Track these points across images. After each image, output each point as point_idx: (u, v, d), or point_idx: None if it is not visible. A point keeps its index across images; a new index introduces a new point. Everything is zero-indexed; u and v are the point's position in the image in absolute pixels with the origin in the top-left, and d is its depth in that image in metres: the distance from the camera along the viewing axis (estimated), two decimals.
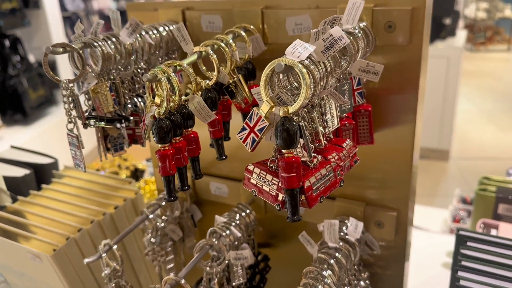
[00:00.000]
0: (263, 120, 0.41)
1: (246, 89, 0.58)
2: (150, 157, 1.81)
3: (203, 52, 0.54)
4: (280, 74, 0.43)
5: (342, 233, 0.63)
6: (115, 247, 0.65)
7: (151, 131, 0.49)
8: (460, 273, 0.63)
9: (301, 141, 0.42)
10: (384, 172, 0.64)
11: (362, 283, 0.66)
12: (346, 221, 0.65)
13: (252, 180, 0.45)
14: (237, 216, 0.70)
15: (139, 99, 0.62)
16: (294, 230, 0.77)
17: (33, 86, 3.33)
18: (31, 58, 3.38)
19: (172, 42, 0.65)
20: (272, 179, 0.43)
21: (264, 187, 0.44)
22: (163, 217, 0.76)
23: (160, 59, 0.65)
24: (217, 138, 0.59)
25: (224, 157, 0.60)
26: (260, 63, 0.62)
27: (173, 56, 0.67)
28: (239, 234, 0.67)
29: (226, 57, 0.56)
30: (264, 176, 0.44)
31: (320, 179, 0.43)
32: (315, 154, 0.43)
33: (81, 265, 0.74)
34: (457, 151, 3.51)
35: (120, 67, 0.59)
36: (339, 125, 0.48)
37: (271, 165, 0.44)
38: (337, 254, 0.60)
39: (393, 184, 0.64)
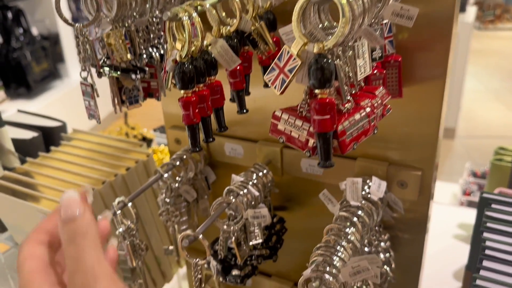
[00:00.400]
0: (295, 58, 0.38)
1: (269, 38, 0.55)
2: (158, 127, 1.79)
3: None
4: (312, 12, 0.40)
5: (364, 193, 0.61)
6: (129, 204, 0.63)
7: (172, 78, 0.46)
8: (485, 234, 0.61)
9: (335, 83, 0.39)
10: (410, 131, 0.62)
11: (382, 244, 0.65)
12: (368, 181, 0.63)
13: (279, 127, 0.43)
14: (254, 176, 0.68)
15: (154, 50, 0.60)
16: (310, 193, 0.75)
17: (36, 59, 3.29)
18: (34, 31, 3.33)
19: None
20: (302, 124, 0.40)
21: (293, 133, 0.41)
22: (177, 178, 0.74)
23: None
24: (238, 90, 0.56)
25: (245, 110, 0.58)
26: (281, 14, 0.59)
27: None
28: (256, 193, 0.65)
29: (247, 2, 0.53)
30: (293, 121, 0.41)
31: (354, 124, 0.40)
32: (349, 98, 0.40)
33: None
34: (463, 130, 3.47)
35: (135, 14, 0.56)
36: (370, 71, 0.45)
37: (301, 109, 0.41)
38: (359, 212, 0.58)
39: (419, 144, 0.62)
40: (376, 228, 0.64)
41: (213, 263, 0.56)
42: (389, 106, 0.48)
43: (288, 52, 0.39)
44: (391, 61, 0.54)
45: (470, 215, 1.40)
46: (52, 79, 3.42)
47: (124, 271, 0.67)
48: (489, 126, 3.53)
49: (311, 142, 0.40)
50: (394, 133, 0.63)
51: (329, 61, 0.37)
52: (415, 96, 0.59)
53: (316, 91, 0.38)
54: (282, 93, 0.40)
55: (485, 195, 0.67)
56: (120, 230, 0.63)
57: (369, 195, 0.61)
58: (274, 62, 0.40)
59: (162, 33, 0.60)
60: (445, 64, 0.57)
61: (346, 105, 0.40)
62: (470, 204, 1.53)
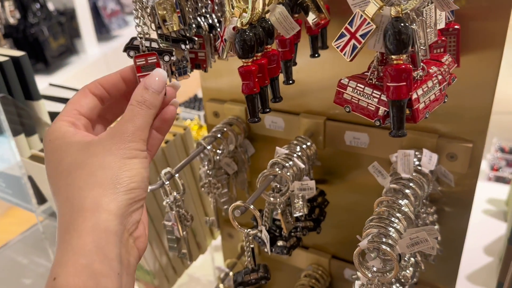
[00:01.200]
0: (369, 23, 0.37)
1: (322, 3, 0.53)
2: (182, 101, 1.78)
3: None
4: None
5: (414, 165, 0.60)
6: (177, 175, 0.63)
7: (230, 47, 0.45)
8: None
9: None
10: (462, 102, 0.60)
11: (430, 217, 0.64)
12: (417, 153, 0.62)
13: (345, 95, 0.42)
14: (298, 148, 0.68)
15: (202, 19, 0.58)
16: (352, 166, 0.74)
17: (53, 34, 3.28)
18: (50, 6, 3.31)
19: None
20: (372, 92, 0.40)
21: (361, 102, 0.40)
22: (218, 151, 0.74)
23: None
24: (286, 60, 0.55)
25: (291, 81, 0.57)
26: None
27: None
28: (302, 165, 0.65)
29: None
30: (361, 89, 0.40)
31: (427, 92, 0.39)
32: (422, 65, 0.39)
33: None
34: None
35: None
36: (436, 38, 0.43)
37: (370, 77, 0.40)
38: (411, 185, 0.57)
39: (471, 115, 0.60)
40: (424, 201, 0.64)
41: (265, 233, 0.57)
42: (454, 74, 0.46)
43: (361, 16, 0.37)
44: (450, 29, 0.52)
45: (498, 190, 1.38)
46: (69, 54, 3.42)
47: (170, 241, 0.68)
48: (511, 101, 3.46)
49: (382, 110, 0.39)
50: (445, 104, 0.62)
51: (407, 25, 0.35)
52: (470, 66, 0.58)
53: (392, 56, 0.36)
54: (352, 59, 0.39)
55: None
56: (168, 200, 0.63)
57: (419, 168, 0.60)
58: (344, 27, 0.39)
59: (209, 2, 0.59)
60: (504, 33, 0.55)
61: (418, 72, 0.39)
62: (498, 179, 1.52)
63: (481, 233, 1.21)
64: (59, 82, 3.02)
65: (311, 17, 0.55)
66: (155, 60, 0.46)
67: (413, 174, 0.59)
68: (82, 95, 0.43)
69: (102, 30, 3.77)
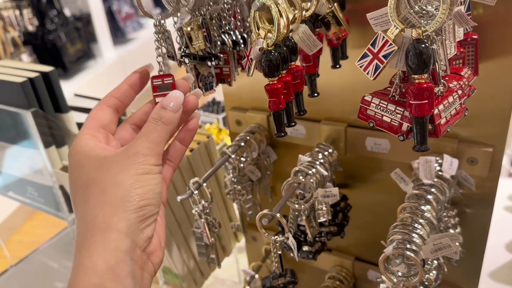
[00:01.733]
0: (391, 44, 0.39)
1: (343, 19, 0.55)
2: (200, 106, 1.81)
3: None
4: None
5: (435, 170, 0.62)
6: (204, 184, 0.65)
7: (256, 66, 0.48)
8: None
9: None
10: (481, 107, 0.61)
11: (452, 220, 0.66)
12: (437, 158, 0.63)
13: (369, 111, 0.44)
14: (320, 155, 0.70)
15: (226, 36, 0.61)
16: (373, 170, 0.76)
17: (70, 40, 3.34)
18: (67, 12, 3.37)
19: None
20: (396, 108, 0.41)
21: (384, 118, 0.42)
22: (242, 158, 0.77)
23: None
24: (310, 74, 0.57)
25: (316, 94, 0.59)
26: None
27: None
28: (325, 173, 0.67)
29: None
30: (385, 106, 0.42)
31: (448, 107, 0.41)
32: (443, 81, 0.41)
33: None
34: None
35: (210, 1, 0.57)
36: (455, 52, 0.45)
37: (393, 94, 0.42)
38: (433, 190, 0.59)
39: (490, 119, 0.62)
40: (445, 204, 0.65)
41: (292, 240, 0.59)
42: (473, 86, 0.48)
43: (383, 38, 0.39)
44: (468, 39, 0.53)
45: None
46: (86, 59, 3.48)
47: (199, 247, 0.71)
48: None
49: (405, 126, 0.41)
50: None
51: (428, 45, 0.37)
52: (488, 71, 0.59)
53: (414, 76, 0.38)
54: (375, 78, 0.41)
55: None
56: (197, 209, 0.66)
57: (440, 173, 0.61)
58: (367, 48, 0.41)
59: (232, 19, 0.61)
60: None
61: (439, 88, 0.41)
62: None
63: (503, 230, 1.21)
64: (78, 86, 3.09)
65: (332, 31, 0.57)
66: (171, 81, 0.49)
67: (435, 179, 0.60)
68: (99, 109, 0.46)
69: (118, 34, 3.83)
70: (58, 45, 3.24)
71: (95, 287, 0.35)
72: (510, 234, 1.20)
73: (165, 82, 0.49)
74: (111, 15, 3.78)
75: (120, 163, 0.40)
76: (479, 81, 0.60)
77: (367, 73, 0.41)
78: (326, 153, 0.71)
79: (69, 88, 3.00)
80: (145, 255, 0.40)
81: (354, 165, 0.77)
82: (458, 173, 0.64)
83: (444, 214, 0.64)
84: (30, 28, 3.19)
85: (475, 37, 0.54)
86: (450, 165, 0.61)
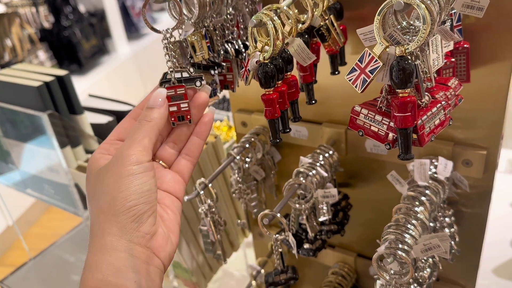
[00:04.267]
0: (376, 60, 0.42)
1: (339, 31, 0.58)
2: (211, 103, 1.85)
3: None
4: (390, 14, 0.43)
5: (430, 172, 0.64)
6: (210, 185, 0.69)
7: (253, 77, 0.51)
8: None
9: None
10: (475, 110, 0.63)
11: (447, 219, 0.68)
12: (433, 160, 0.66)
13: (358, 121, 0.46)
14: (321, 157, 0.73)
15: (229, 45, 0.64)
16: (373, 170, 0.79)
17: (85, 36, 3.40)
18: (81, 8, 3.43)
19: None
20: (382, 119, 0.44)
21: (372, 127, 0.45)
22: (246, 159, 0.80)
23: (246, 3, 0.65)
24: (308, 83, 0.60)
25: (313, 101, 0.62)
26: (346, 2, 0.61)
27: None
28: (325, 174, 0.70)
29: None
30: (372, 116, 0.45)
31: (432, 117, 0.44)
32: (427, 93, 0.43)
33: None
34: None
35: (213, 13, 0.60)
36: (443, 64, 0.47)
37: (380, 105, 0.45)
38: (427, 192, 0.61)
39: (484, 123, 0.64)
40: (441, 204, 0.67)
41: (291, 238, 0.62)
42: (461, 95, 0.50)
43: (369, 55, 0.42)
44: (460, 48, 0.56)
45: None
46: (101, 54, 3.54)
47: (206, 244, 0.75)
48: None
49: (391, 135, 0.44)
50: (460, 113, 0.65)
51: (410, 62, 0.40)
52: (481, 76, 0.61)
53: (398, 90, 0.41)
54: (362, 91, 0.44)
55: None
56: (203, 208, 0.70)
57: (435, 175, 0.64)
58: (355, 63, 0.43)
59: (235, 29, 0.64)
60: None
61: (423, 100, 0.43)
62: None
63: (508, 226, 1.23)
64: (94, 81, 3.14)
65: (327, 43, 0.59)
66: (183, 91, 0.52)
67: (429, 181, 0.63)
68: (123, 122, 0.49)
69: (132, 29, 3.88)
70: (73, 41, 3.30)
71: (99, 282, 0.39)
72: None
73: (178, 92, 0.52)
74: (125, 11, 3.83)
75: (109, 170, 0.43)
76: (473, 86, 0.62)
77: (355, 87, 0.44)
78: (326, 154, 0.74)
79: (85, 83, 3.06)
80: (148, 250, 0.42)
81: (355, 165, 0.80)
82: (453, 174, 0.66)
83: (440, 214, 0.66)
84: (46, 25, 3.25)
85: (466, 46, 0.56)
86: (444, 167, 0.63)
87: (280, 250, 0.64)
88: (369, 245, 0.87)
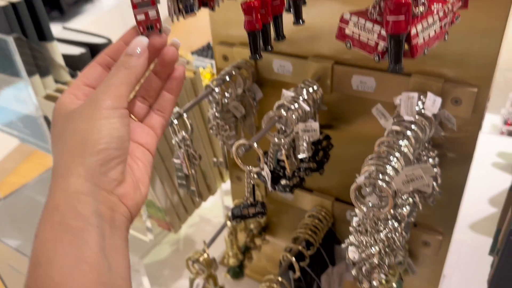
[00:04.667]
0: None
1: None
2: (195, 50, 1.78)
3: None
4: None
5: (417, 108, 0.61)
6: (185, 115, 0.65)
7: None
8: None
9: None
10: (468, 47, 0.60)
11: (431, 160, 0.66)
12: (422, 97, 0.62)
13: (347, 31, 0.42)
14: (304, 92, 0.69)
15: None
16: (359, 111, 0.75)
17: None
18: None
19: None
20: (373, 26, 0.40)
21: (361, 37, 0.41)
22: (226, 94, 0.75)
23: None
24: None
25: (301, 21, 0.57)
26: None
27: None
28: (307, 108, 0.66)
29: None
30: (363, 24, 0.41)
31: (427, 28, 0.40)
32: (423, 1, 0.39)
33: None
34: (504, 62, 3.31)
35: None
36: None
37: (372, 11, 0.40)
38: (413, 127, 0.58)
39: (477, 60, 0.60)
40: (426, 145, 0.65)
41: (266, 171, 0.59)
42: (458, 13, 0.46)
43: None
44: None
45: (510, 144, 1.38)
46: (84, 2, 3.40)
47: (179, 178, 0.71)
48: None
49: (381, 45, 0.40)
50: (451, 49, 0.61)
51: None
52: (478, 9, 0.57)
53: None
54: None
55: None
56: (176, 139, 0.66)
57: (423, 111, 0.61)
58: None
59: None
60: None
61: (419, 8, 0.39)
62: (510, 133, 1.51)
63: (488, 185, 1.23)
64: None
65: None
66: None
67: (416, 117, 0.60)
68: (89, 67, 0.46)
69: None
70: None
71: (58, 224, 0.36)
72: (495, 189, 1.21)
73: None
74: None
75: (82, 113, 0.41)
76: (468, 21, 0.58)
77: None
78: (310, 89, 0.70)
79: None
80: (114, 196, 0.40)
81: (340, 105, 0.76)
82: (441, 112, 0.63)
83: (424, 153, 0.64)
84: None
85: None
86: (433, 103, 0.60)
87: (252, 182, 0.60)
88: (348, 190, 0.84)
